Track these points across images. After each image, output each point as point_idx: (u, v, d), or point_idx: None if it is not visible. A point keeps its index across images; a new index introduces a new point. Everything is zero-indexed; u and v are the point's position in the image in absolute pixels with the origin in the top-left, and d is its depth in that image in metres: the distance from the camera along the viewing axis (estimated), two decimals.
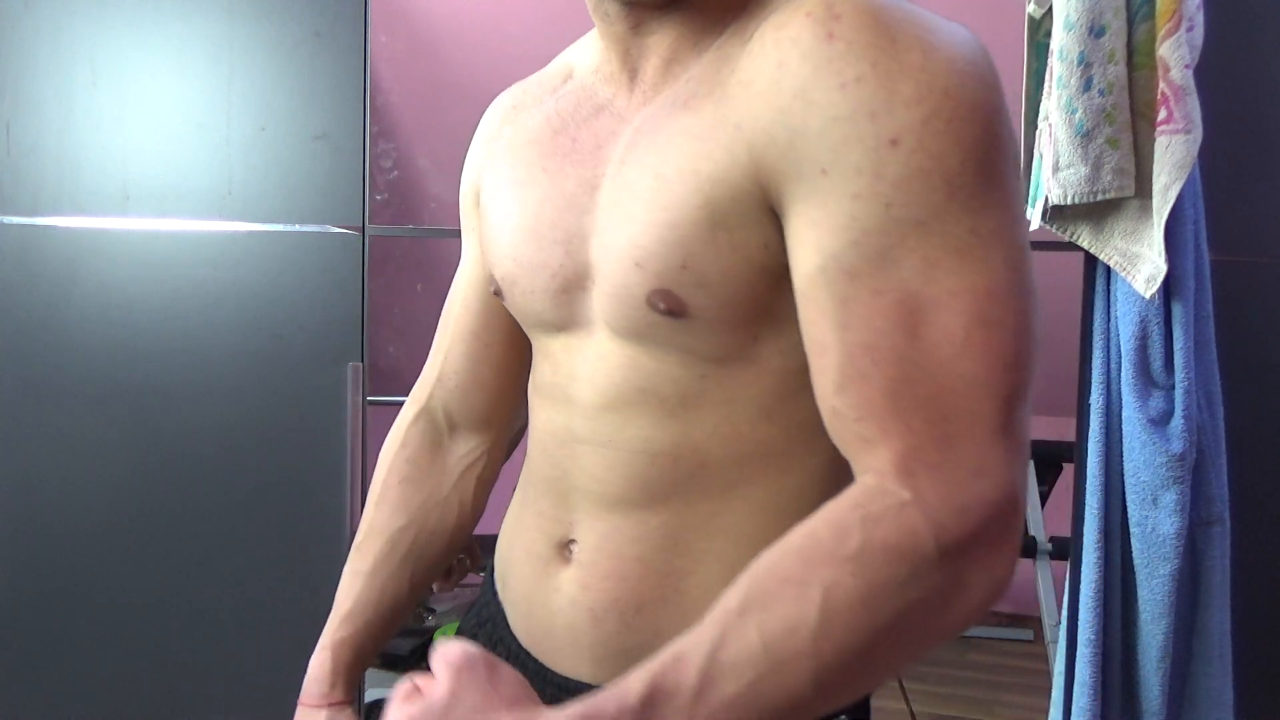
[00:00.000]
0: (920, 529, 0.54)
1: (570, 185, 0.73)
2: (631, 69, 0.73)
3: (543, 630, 0.78)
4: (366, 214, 1.69)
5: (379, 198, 1.75)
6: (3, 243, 1.70)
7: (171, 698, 1.74)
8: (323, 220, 1.69)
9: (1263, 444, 1.49)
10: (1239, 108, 1.48)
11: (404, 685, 0.59)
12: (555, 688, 0.76)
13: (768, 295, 0.65)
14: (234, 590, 1.73)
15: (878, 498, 0.56)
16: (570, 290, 0.74)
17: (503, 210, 0.79)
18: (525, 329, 0.82)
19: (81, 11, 1.69)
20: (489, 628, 0.86)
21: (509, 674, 0.59)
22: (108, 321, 1.71)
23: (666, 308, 0.66)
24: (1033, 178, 1.43)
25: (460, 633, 0.91)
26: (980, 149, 0.56)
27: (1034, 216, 1.41)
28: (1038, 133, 1.41)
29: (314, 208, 1.69)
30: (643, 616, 0.72)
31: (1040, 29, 1.41)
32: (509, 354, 0.90)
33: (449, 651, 0.59)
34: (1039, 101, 1.41)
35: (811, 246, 0.58)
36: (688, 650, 0.55)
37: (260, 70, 1.69)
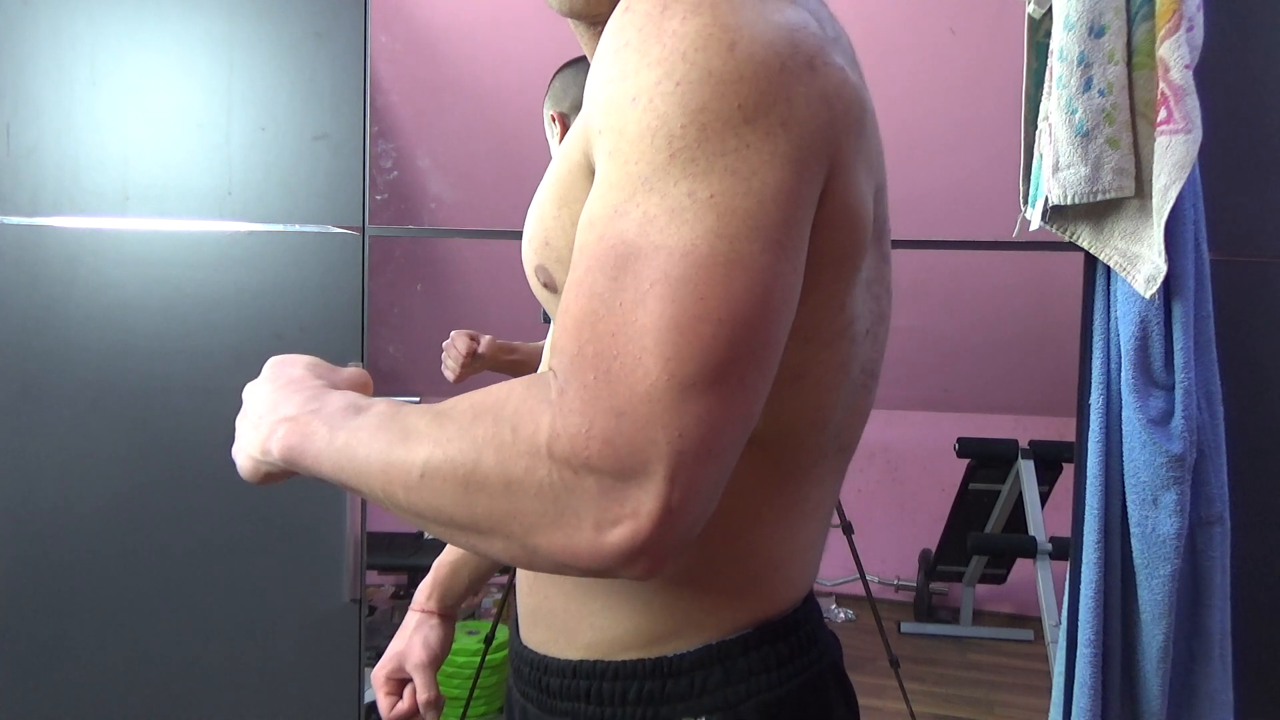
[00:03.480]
0: (542, 420, 0.55)
1: None
2: None
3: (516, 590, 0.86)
4: (366, 214, 1.69)
5: (379, 198, 1.75)
6: (3, 243, 1.70)
7: (171, 697, 1.74)
8: (323, 220, 1.69)
9: (1263, 444, 1.49)
10: (1239, 108, 1.48)
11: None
12: (513, 646, 0.84)
13: None
14: (234, 590, 1.73)
15: (539, 383, 0.57)
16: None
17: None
18: None
19: (81, 11, 1.69)
20: None
21: (304, 361, 0.75)
22: (108, 321, 1.71)
23: (543, 282, 0.71)
24: (1033, 178, 1.43)
25: None
26: (708, 114, 0.56)
27: (1034, 216, 1.41)
28: (1038, 133, 1.41)
29: (314, 208, 1.69)
30: (538, 581, 0.78)
31: (1040, 29, 1.41)
32: None
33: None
34: (1039, 101, 1.41)
35: (586, 205, 0.60)
36: (361, 404, 0.65)
37: (260, 70, 1.69)
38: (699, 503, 0.55)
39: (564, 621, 0.77)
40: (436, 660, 1.01)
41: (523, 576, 0.82)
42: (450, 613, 1.04)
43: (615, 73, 0.58)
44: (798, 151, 0.57)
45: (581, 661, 0.76)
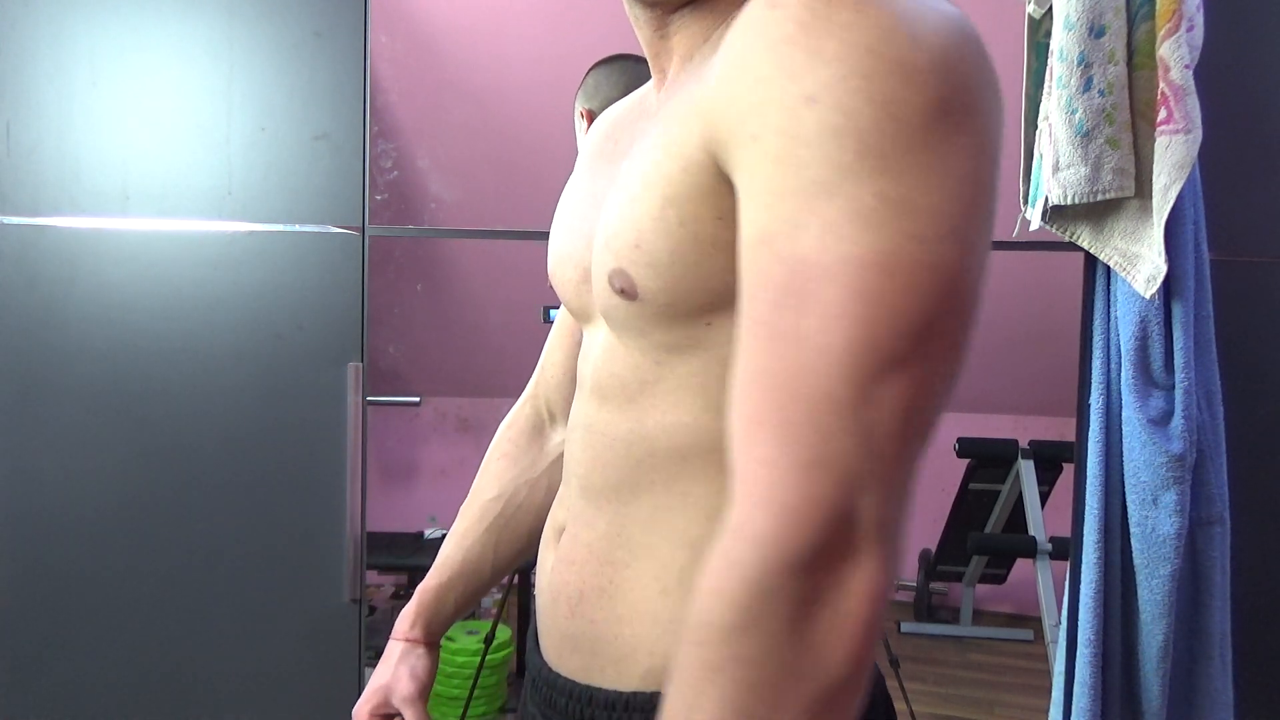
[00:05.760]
0: (740, 560, 0.50)
1: (601, 184, 0.77)
2: (661, 70, 0.76)
3: (542, 613, 0.82)
4: (366, 214, 1.69)
5: (379, 198, 1.75)
6: (3, 243, 1.70)
7: (171, 698, 1.74)
8: (323, 220, 1.69)
9: (1263, 444, 1.49)
10: (1239, 108, 1.48)
11: None
12: (536, 670, 0.80)
13: (718, 276, 0.62)
14: (234, 589, 1.73)
15: (721, 536, 0.52)
16: (586, 281, 0.76)
17: (558, 210, 0.85)
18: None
19: (81, 11, 1.69)
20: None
21: None
22: (108, 321, 1.71)
23: (620, 288, 0.66)
24: (1033, 178, 1.43)
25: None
26: (903, 107, 0.51)
27: (1034, 216, 1.41)
28: (1038, 133, 1.41)
29: (314, 208, 1.69)
30: (584, 605, 0.73)
31: (1040, 29, 1.41)
32: None
33: None
34: (1039, 101, 1.41)
35: (744, 216, 0.55)
36: None
37: (260, 70, 1.69)
38: (900, 532, 0.52)
39: (615, 649, 0.72)
40: (425, 691, 0.94)
41: (552, 597, 0.77)
42: (436, 640, 0.97)
43: (773, 71, 0.53)
44: (984, 142, 0.54)
45: (636, 694, 0.70)
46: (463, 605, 0.99)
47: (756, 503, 0.50)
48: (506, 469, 1.00)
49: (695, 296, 0.63)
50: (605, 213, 0.69)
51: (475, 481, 1.02)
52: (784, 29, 0.53)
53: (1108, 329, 1.39)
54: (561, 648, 0.76)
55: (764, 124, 0.53)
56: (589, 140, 0.88)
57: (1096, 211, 1.35)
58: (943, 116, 0.52)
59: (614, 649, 0.71)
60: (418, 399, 3.71)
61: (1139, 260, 1.31)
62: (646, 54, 0.76)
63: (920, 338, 0.51)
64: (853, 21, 0.52)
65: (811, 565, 0.49)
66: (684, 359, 0.67)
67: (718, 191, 0.60)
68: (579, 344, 0.90)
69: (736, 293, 0.57)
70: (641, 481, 0.71)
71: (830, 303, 0.50)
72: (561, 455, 0.94)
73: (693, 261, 0.62)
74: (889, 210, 0.51)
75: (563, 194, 0.86)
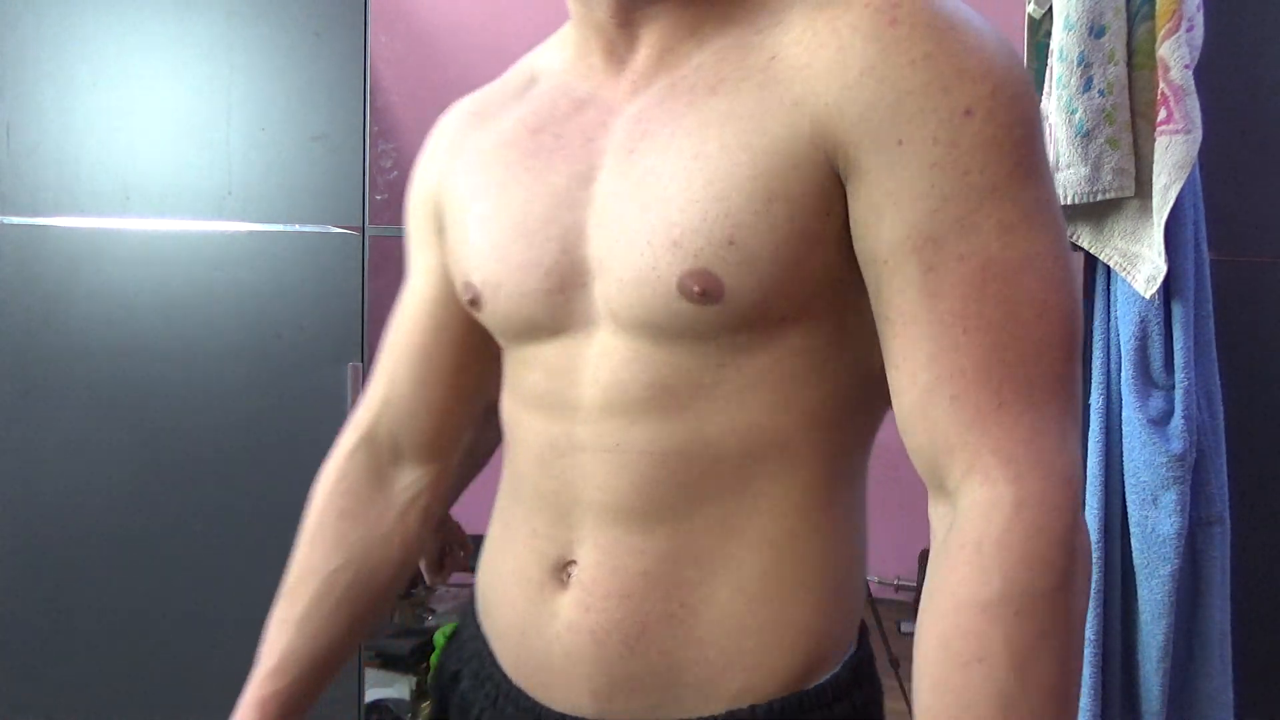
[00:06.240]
0: (1046, 525, 0.56)
1: (559, 180, 0.71)
2: (618, 59, 0.72)
3: (537, 662, 0.73)
4: (366, 214, 1.69)
5: (379, 198, 1.75)
6: (3, 243, 1.70)
7: (169, 699, 1.74)
8: (323, 220, 1.69)
9: (1263, 444, 1.49)
10: (1239, 108, 1.48)
11: None
12: None
13: (815, 270, 0.64)
14: (233, 590, 1.73)
15: (990, 515, 0.57)
16: (567, 289, 0.71)
17: (480, 215, 0.76)
18: (506, 339, 0.77)
19: (81, 11, 1.69)
20: (474, 664, 0.81)
21: None
22: (108, 321, 1.71)
23: (701, 289, 0.63)
24: None
25: (441, 670, 0.86)
26: (1034, 124, 0.60)
27: None
28: None
29: (314, 208, 1.69)
30: (647, 638, 0.68)
31: (1040, 29, 1.41)
32: (461, 376, 0.86)
33: None
34: (1039, 102, 1.41)
35: (892, 216, 0.60)
36: None
37: (260, 70, 1.69)
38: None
39: (696, 675, 0.68)
40: None
41: (594, 639, 0.69)
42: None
43: (922, 84, 0.59)
44: None
45: (731, 713, 0.67)
46: (310, 704, 0.86)
47: (1042, 474, 0.57)
48: (349, 530, 0.87)
49: (787, 293, 0.64)
50: (645, 213, 0.66)
51: (302, 552, 0.89)
52: (923, 46, 0.59)
53: (1108, 329, 1.39)
54: (615, 691, 0.69)
55: (916, 132, 0.59)
56: (493, 138, 0.78)
57: (1096, 211, 1.35)
58: (1041, 133, 0.62)
59: (694, 674, 0.68)
60: None
61: (1139, 260, 1.31)
62: (593, 39, 0.72)
63: (1078, 328, 0.61)
64: (982, 45, 0.60)
65: (1082, 521, 0.58)
66: (752, 358, 0.66)
67: (826, 187, 0.62)
68: (440, 370, 0.85)
69: (814, 289, 0.64)
70: (706, 492, 0.68)
71: (1035, 293, 0.58)
72: (415, 501, 0.88)
73: (794, 259, 0.63)
74: (1046, 211, 0.60)
75: (481, 198, 0.76)
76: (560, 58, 0.78)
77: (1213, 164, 1.37)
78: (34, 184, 1.70)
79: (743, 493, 0.68)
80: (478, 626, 0.82)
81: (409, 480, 0.89)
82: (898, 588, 4.10)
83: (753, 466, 0.67)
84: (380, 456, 0.88)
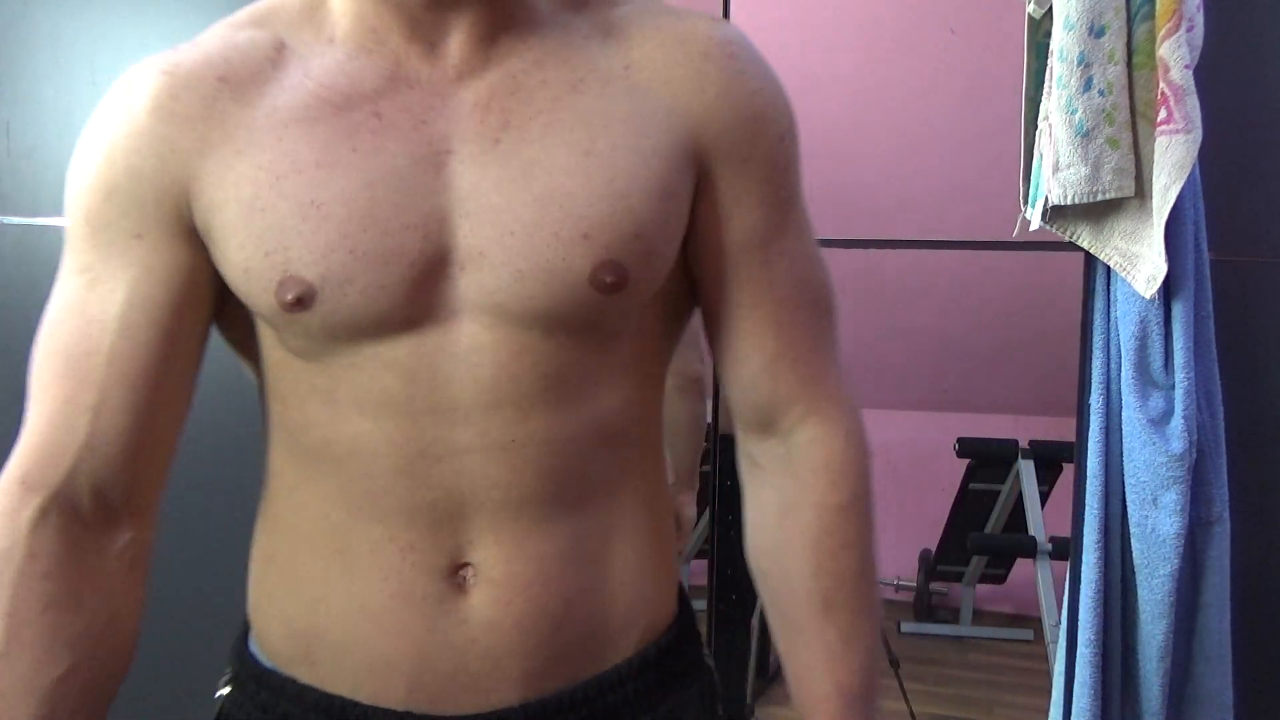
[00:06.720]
0: (863, 446, 0.78)
1: (400, 163, 0.66)
2: (425, 41, 0.68)
3: (446, 675, 0.70)
4: None
5: None
6: (3, 243, 1.70)
7: (171, 696, 1.74)
8: None
9: (1263, 444, 1.49)
10: (1239, 108, 1.48)
11: None
12: None
13: (677, 261, 0.75)
14: (234, 588, 1.72)
15: (831, 443, 0.77)
16: (429, 280, 0.66)
17: (300, 201, 0.65)
18: (339, 340, 0.67)
19: (81, 11, 1.69)
20: None
21: None
22: None
23: (614, 280, 0.68)
24: (1033, 178, 1.43)
25: None
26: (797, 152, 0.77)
27: (1034, 216, 1.41)
28: (1038, 133, 1.41)
29: None
30: (573, 612, 0.72)
31: (1040, 29, 1.41)
32: (181, 408, 0.73)
33: None
34: (1039, 101, 1.41)
35: (738, 219, 0.73)
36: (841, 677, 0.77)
37: None
38: None
39: (613, 627, 0.75)
40: None
41: (519, 630, 0.70)
42: None
43: (758, 112, 0.73)
44: None
45: (642, 650, 0.77)
46: None
47: (852, 411, 0.78)
48: (67, 624, 0.67)
49: (661, 282, 0.73)
50: (544, 206, 0.66)
51: (3, 665, 0.65)
52: (758, 81, 0.74)
53: (1108, 329, 1.39)
54: (544, 671, 0.71)
55: (755, 151, 0.73)
56: (281, 112, 0.67)
57: (1096, 211, 1.35)
58: None
59: (612, 629, 0.75)
60: None
61: (1139, 260, 1.31)
62: (391, 17, 0.68)
63: None
64: (778, 82, 0.76)
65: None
66: (621, 342, 0.73)
67: (690, 190, 0.73)
68: (166, 401, 0.71)
69: (668, 276, 0.74)
70: (601, 469, 0.74)
71: (820, 276, 0.78)
72: (135, 566, 0.76)
73: (674, 251, 0.73)
74: (808, 212, 0.78)
75: (291, 179, 0.66)
76: (318, 30, 0.70)
77: (1213, 164, 1.37)
78: (34, 184, 1.70)
79: (626, 461, 0.76)
80: (294, 692, 0.76)
81: (124, 542, 0.74)
82: (898, 588, 4.09)
83: (621, 438, 0.75)
84: (79, 519, 0.70)
